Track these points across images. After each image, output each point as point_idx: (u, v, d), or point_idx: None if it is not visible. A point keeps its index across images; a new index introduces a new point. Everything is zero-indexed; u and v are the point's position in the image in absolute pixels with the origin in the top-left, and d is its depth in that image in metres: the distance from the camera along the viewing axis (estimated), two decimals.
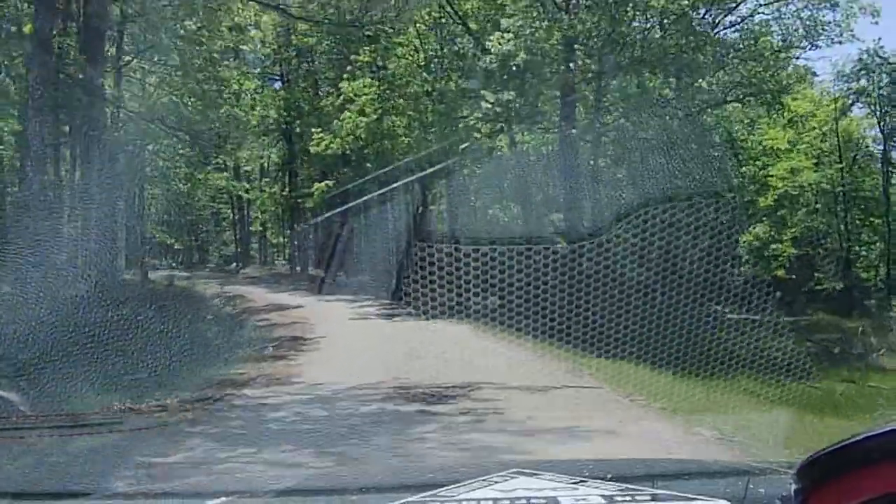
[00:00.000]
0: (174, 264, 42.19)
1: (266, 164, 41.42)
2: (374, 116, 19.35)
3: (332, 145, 23.09)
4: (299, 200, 33.09)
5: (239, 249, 40.06)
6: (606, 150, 20.61)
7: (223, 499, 1.89)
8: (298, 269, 36.33)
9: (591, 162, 20.32)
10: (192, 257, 44.86)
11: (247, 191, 30.67)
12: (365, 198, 31.81)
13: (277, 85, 34.57)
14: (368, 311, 18.42)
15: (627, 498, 1.62)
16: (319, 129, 24.01)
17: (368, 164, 25.92)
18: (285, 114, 31.68)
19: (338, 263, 33.13)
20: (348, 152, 23.75)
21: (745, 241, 31.85)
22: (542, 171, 21.82)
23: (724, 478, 2.12)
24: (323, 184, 24.92)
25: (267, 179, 40.42)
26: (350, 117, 19.84)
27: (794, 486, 1.29)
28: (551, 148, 21.13)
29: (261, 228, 44.02)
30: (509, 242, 23.90)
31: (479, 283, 21.48)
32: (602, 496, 1.63)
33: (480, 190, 23.39)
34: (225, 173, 26.78)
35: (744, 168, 28.88)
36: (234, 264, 39.80)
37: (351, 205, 30.96)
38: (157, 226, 31.71)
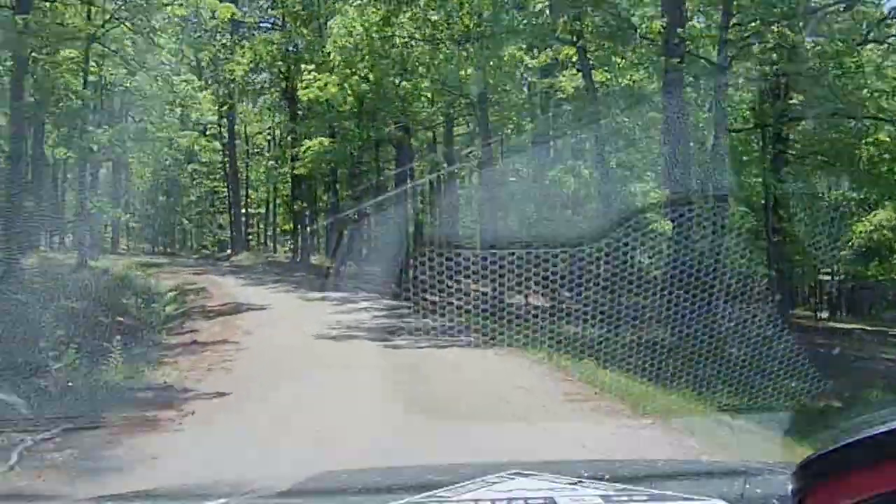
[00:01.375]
0: (157, 248, 36.32)
1: (275, 137, 34.90)
2: (378, 18, 12.67)
3: (328, 87, 16.55)
4: (298, 173, 26.73)
5: (233, 233, 33.75)
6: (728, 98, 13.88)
7: (223, 500, 1.83)
8: (300, 257, 30.10)
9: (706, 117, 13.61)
10: (181, 241, 38.69)
11: (223, 153, 23.95)
12: (377, 166, 25.18)
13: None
14: (360, 319, 11.94)
15: (625, 498, 1.61)
16: (311, 68, 17.45)
17: (379, 117, 19.32)
18: (281, 64, 25.11)
19: (343, 251, 26.60)
20: (350, 97, 17.19)
21: (860, 232, 24.92)
22: (627, 123, 15.07)
23: (722, 478, 2.11)
24: (316, 142, 18.35)
25: (269, 153, 34.12)
26: (344, 25, 13.20)
27: (791, 486, 1.28)
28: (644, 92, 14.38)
29: (262, 211, 37.69)
30: (581, 229, 17.40)
31: (531, 283, 14.68)
32: (600, 496, 1.62)
33: (533, 153, 16.69)
34: (188, 130, 20.14)
35: (878, 134, 21.83)
36: (229, 250, 33.74)
37: (360, 174, 24.48)
38: (110, 201, 25.13)
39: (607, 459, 3.75)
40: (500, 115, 17.87)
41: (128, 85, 18.16)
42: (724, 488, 1.77)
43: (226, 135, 32.17)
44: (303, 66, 18.04)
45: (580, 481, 1.73)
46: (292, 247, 32.65)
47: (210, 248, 36.69)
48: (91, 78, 18.15)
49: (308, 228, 30.02)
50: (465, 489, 1.66)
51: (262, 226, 38.60)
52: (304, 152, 19.19)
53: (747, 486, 1.75)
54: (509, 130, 17.65)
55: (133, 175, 36.25)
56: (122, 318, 12.79)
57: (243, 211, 34.66)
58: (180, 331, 11.00)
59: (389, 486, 1.98)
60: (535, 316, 10.26)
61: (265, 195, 36.61)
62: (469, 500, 1.62)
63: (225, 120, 31.63)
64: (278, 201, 35.03)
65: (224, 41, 26.10)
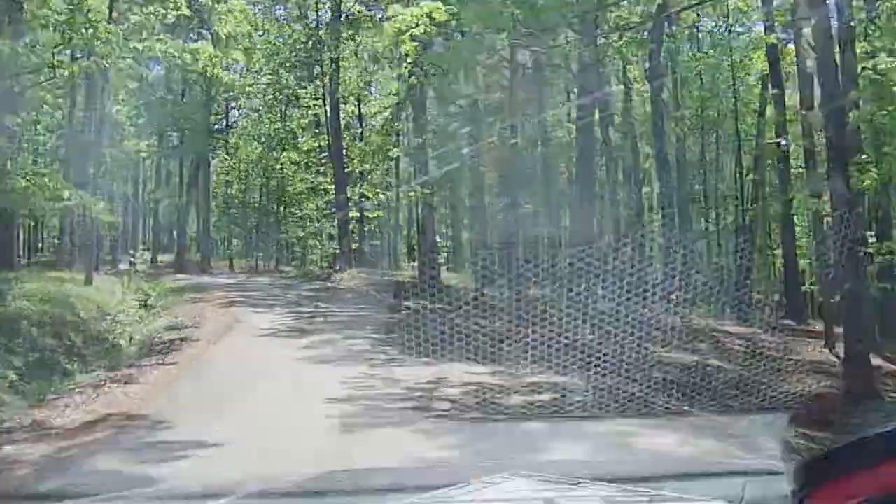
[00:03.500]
0: (263, 263, 28.22)
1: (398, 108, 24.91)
2: None
3: None
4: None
5: (341, 244, 25.07)
6: None
7: (223, 500, 1.85)
8: (428, 274, 20.52)
9: None
10: (292, 255, 30.23)
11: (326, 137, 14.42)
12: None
13: None
14: None
15: (625, 499, 1.61)
16: None
17: None
18: None
19: (493, 266, 16.11)
20: None
21: None
22: None
23: (722, 479, 2.11)
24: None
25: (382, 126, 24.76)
26: None
27: (791, 487, 1.26)
28: None
29: (380, 214, 28.30)
30: None
31: None
32: (600, 497, 1.62)
33: None
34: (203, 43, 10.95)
35: None
36: (337, 266, 25.27)
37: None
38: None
39: (608, 460, 3.85)
40: None
41: None
42: (724, 489, 1.74)
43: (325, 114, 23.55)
44: None
45: (580, 482, 1.71)
46: (420, 259, 23.50)
47: (320, 264, 28.22)
48: None
49: (435, 231, 20.38)
50: (467, 490, 1.66)
51: (382, 232, 29.45)
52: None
53: (748, 487, 1.69)
54: None
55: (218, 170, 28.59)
56: None
57: (355, 214, 25.72)
58: None
59: (390, 486, 1.97)
60: None
61: (385, 191, 27.22)
62: (470, 501, 1.61)
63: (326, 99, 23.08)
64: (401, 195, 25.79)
65: None
